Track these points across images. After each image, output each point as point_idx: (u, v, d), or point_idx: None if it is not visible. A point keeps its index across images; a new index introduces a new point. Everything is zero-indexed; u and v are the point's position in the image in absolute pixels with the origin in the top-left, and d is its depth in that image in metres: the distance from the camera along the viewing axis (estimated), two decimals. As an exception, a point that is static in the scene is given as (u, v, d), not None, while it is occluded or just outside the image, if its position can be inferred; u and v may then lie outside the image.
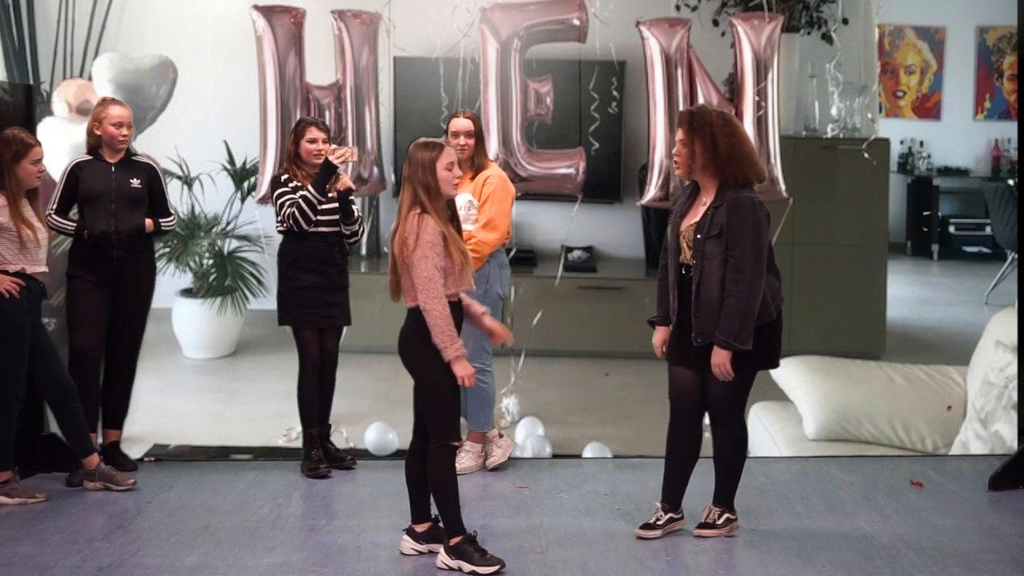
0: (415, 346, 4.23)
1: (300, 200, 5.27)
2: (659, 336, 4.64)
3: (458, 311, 4.28)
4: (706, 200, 4.40)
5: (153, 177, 5.48)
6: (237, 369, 8.13)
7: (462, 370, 4.17)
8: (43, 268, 5.05)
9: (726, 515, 4.59)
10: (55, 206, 5.30)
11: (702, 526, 4.57)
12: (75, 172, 5.34)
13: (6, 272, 4.91)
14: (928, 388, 6.35)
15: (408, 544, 4.36)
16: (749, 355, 4.35)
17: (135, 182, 5.38)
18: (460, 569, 4.19)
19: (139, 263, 5.46)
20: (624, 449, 6.09)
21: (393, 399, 7.21)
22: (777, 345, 4.49)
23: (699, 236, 4.35)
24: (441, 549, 4.24)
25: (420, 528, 4.36)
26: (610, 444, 6.12)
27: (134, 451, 5.71)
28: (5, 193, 4.93)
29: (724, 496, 4.61)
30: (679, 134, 4.41)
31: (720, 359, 4.32)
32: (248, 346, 8.49)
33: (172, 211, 5.58)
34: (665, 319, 4.58)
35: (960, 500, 5.01)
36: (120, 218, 5.31)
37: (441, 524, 4.30)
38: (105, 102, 5.40)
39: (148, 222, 5.42)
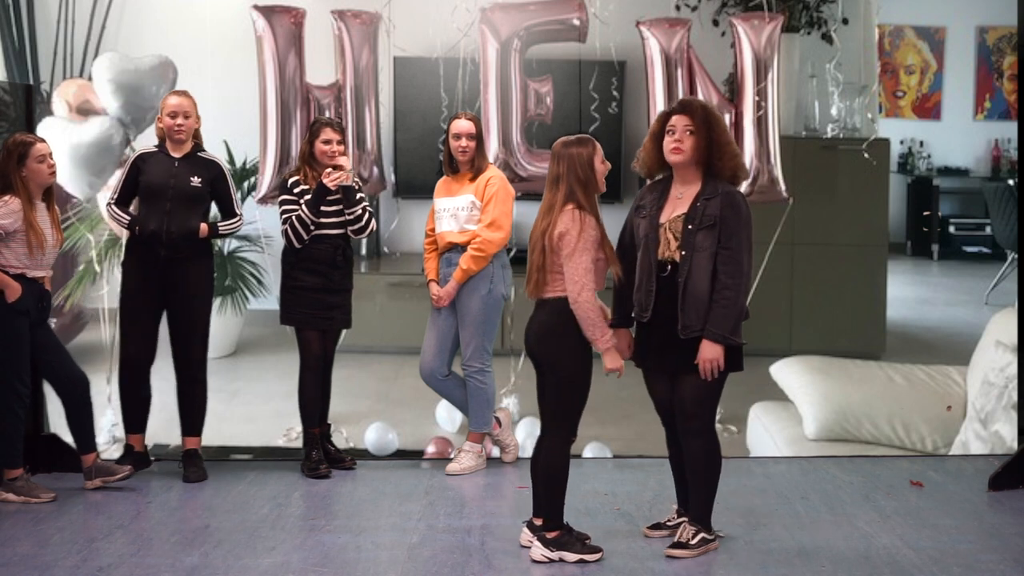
0: (557, 340, 4.26)
1: (294, 219, 5.28)
2: (620, 339, 4.41)
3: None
4: (683, 193, 4.30)
5: (218, 176, 5.32)
6: (237, 369, 8.13)
7: (613, 362, 4.25)
8: (45, 272, 5.04)
9: (701, 535, 4.32)
10: (115, 196, 5.25)
11: (674, 545, 4.32)
12: (137, 163, 5.26)
13: (6, 274, 4.92)
14: (928, 388, 6.35)
15: (526, 536, 4.36)
16: (726, 356, 4.23)
17: (195, 180, 5.24)
18: (562, 560, 4.22)
19: (188, 267, 5.25)
20: (624, 449, 6.08)
21: (393, 399, 7.21)
22: (741, 348, 4.33)
23: (690, 227, 4.24)
24: (536, 541, 4.25)
25: (539, 522, 4.33)
26: (610, 444, 6.12)
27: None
28: (20, 196, 4.92)
29: (698, 513, 4.35)
30: (684, 120, 4.27)
31: (714, 353, 4.19)
32: (248, 346, 8.49)
33: (239, 212, 5.40)
34: (624, 321, 4.44)
35: (960, 500, 5.01)
36: (174, 217, 5.17)
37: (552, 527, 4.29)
38: (170, 94, 5.34)
39: (203, 227, 5.24)
